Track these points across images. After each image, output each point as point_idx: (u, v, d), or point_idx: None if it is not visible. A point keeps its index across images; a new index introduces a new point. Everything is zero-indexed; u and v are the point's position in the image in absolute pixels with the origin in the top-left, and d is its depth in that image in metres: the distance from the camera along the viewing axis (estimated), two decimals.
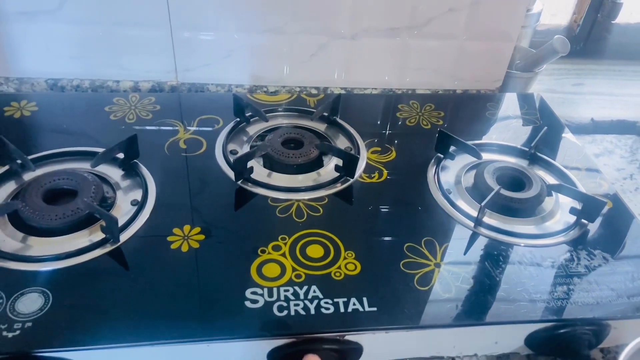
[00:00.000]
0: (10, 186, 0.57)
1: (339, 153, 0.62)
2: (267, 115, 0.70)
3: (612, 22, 1.13)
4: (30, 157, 0.59)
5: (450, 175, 0.65)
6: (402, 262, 0.52)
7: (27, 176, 0.58)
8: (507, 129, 0.76)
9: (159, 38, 0.73)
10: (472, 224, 0.57)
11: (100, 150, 0.60)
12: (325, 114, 0.71)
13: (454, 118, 0.77)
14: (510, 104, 0.82)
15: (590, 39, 1.15)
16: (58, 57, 0.75)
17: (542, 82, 0.97)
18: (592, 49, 1.16)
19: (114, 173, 0.60)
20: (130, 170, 0.60)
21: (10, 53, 0.74)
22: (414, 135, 0.72)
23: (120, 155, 0.60)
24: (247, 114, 0.70)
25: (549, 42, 0.80)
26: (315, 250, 0.53)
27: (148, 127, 0.68)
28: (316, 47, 0.76)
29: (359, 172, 0.63)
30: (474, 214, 0.58)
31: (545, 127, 0.69)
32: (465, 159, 0.67)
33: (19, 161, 0.58)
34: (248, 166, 0.60)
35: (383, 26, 0.75)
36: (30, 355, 0.42)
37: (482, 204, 0.56)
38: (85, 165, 0.59)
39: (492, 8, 0.75)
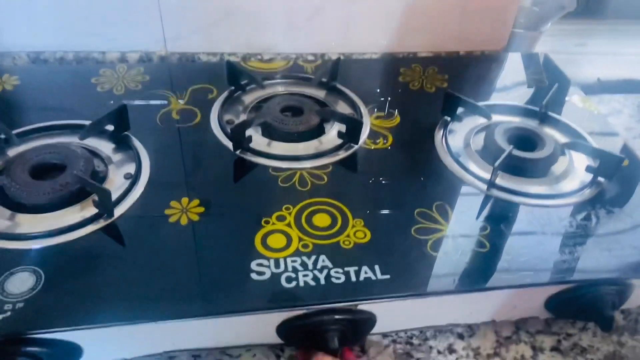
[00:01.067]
0: None
1: (341, 119, 0.60)
2: (263, 82, 0.66)
3: None
4: (14, 131, 0.55)
5: (458, 139, 0.62)
6: (413, 228, 0.50)
7: (12, 152, 0.55)
8: (515, 89, 0.74)
9: (145, 4, 0.69)
10: (484, 187, 0.55)
11: (88, 122, 0.57)
12: (324, 80, 0.68)
13: (459, 80, 0.74)
14: (515, 64, 0.79)
15: None
16: (39, 29, 0.71)
17: (544, 43, 0.94)
18: (594, 8, 1.12)
19: (104, 146, 0.57)
20: (121, 143, 0.57)
21: None
22: (418, 99, 0.70)
23: (110, 128, 0.57)
24: (242, 82, 0.66)
25: None
26: (321, 219, 0.51)
27: (138, 99, 0.64)
28: (312, 10, 0.73)
29: (363, 138, 0.61)
30: (486, 176, 0.55)
31: (557, 84, 0.67)
32: (473, 121, 0.64)
33: (2, 136, 0.55)
34: (246, 135, 0.57)
35: None
36: (23, 337, 0.40)
37: (495, 164, 0.53)
38: (73, 139, 0.56)
39: None
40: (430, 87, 0.72)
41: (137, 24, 0.71)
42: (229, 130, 0.59)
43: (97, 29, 0.71)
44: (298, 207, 0.52)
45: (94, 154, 0.55)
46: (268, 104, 0.63)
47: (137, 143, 0.57)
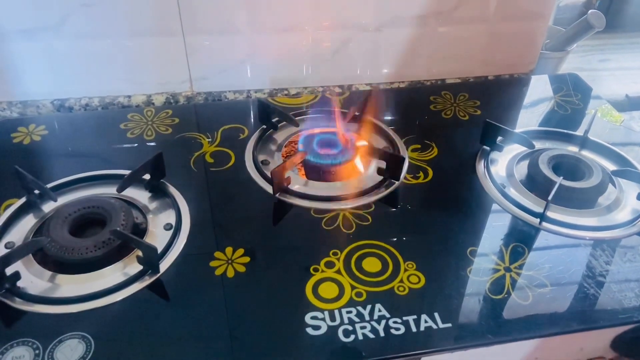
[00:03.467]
0: (30, 220, 0.53)
1: (381, 154, 0.58)
2: (296, 119, 0.66)
3: None
4: (48, 185, 0.55)
5: (500, 168, 0.61)
6: (468, 269, 0.48)
7: (47, 207, 0.54)
8: (547, 113, 0.72)
9: (171, 46, 0.69)
10: (536, 220, 0.53)
11: (122, 171, 0.56)
12: (357, 113, 0.67)
13: (491, 106, 0.73)
14: (545, 86, 0.78)
15: (610, 12, 1.12)
16: (63, 76, 0.70)
17: (567, 61, 0.94)
18: (613, 22, 1.12)
19: (140, 196, 0.56)
20: (157, 191, 0.56)
21: (12, 75, 0.70)
22: (452, 127, 0.69)
23: (146, 176, 0.56)
24: (273, 120, 0.66)
25: (583, 18, 0.77)
26: (372, 264, 0.49)
27: (169, 143, 0.64)
28: (339, 42, 0.72)
29: (403, 173, 0.59)
30: (535, 208, 0.54)
31: (596, 111, 0.65)
32: (512, 149, 0.63)
33: (36, 191, 0.54)
34: (285, 176, 0.56)
35: (409, 14, 0.71)
36: None
37: (549, 198, 0.52)
38: (109, 190, 0.56)
39: None
40: (463, 114, 0.71)
41: (163, 66, 0.71)
42: (265, 172, 0.58)
43: (122, 74, 0.71)
44: (346, 251, 0.50)
45: (131, 204, 0.54)
46: (303, 142, 0.62)
47: (173, 190, 0.56)
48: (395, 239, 0.52)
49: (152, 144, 0.64)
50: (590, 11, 0.76)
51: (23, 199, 0.54)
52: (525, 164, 0.61)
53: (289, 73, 0.75)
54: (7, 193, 0.55)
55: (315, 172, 0.60)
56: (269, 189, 0.57)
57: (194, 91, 0.73)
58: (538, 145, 0.63)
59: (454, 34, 0.74)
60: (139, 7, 0.65)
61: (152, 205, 0.55)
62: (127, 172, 0.56)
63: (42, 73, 0.70)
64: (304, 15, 0.69)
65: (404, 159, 0.58)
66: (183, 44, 0.69)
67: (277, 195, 0.56)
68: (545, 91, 0.77)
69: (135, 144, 0.63)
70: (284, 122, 0.66)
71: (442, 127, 0.69)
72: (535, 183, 0.58)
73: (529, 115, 0.72)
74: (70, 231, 0.49)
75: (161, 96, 0.73)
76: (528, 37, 0.77)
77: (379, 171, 0.58)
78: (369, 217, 0.54)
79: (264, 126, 0.65)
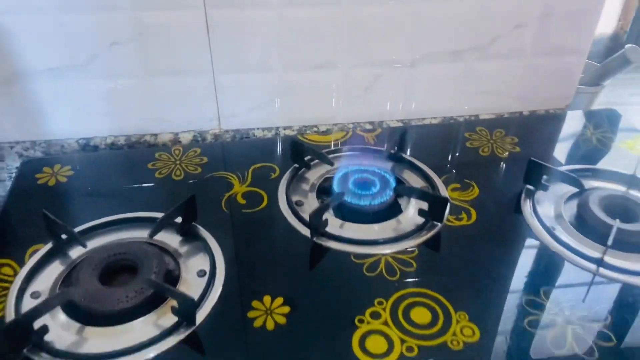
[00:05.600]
0: (57, 268, 0.51)
1: (422, 195, 0.56)
2: (329, 157, 0.64)
3: None
4: (76, 229, 0.53)
5: (547, 209, 0.58)
6: (526, 320, 0.46)
7: (75, 253, 0.52)
8: (590, 150, 0.70)
9: (200, 84, 0.69)
10: (593, 266, 0.50)
11: (152, 214, 0.55)
12: (392, 150, 0.65)
13: (530, 143, 0.71)
14: (584, 122, 0.76)
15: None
16: (89, 115, 0.70)
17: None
18: None
19: (171, 240, 0.54)
20: (189, 234, 0.54)
21: (37, 114, 0.69)
22: (492, 165, 0.67)
23: (178, 219, 0.54)
24: (305, 159, 0.64)
25: (621, 52, 0.76)
26: (421, 314, 0.46)
27: (199, 183, 0.62)
28: (372, 78, 0.71)
29: (446, 214, 0.57)
30: (588, 252, 0.52)
31: None
32: (559, 189, 0.61)
33: (64, 236, 0.52)
34: (323, 219, 0.54)
35: (445, 50, 0.70)
36: None
37: (608, 243, 0.49)
38: (139, 234, 0.54)
39: (562, 20, 0.71)
40: (501, 152, 0.69)
41: (192, 104, 0.70)
42: (300, 213, 0.57)
43: (149, 112, 0.70)
44: (391, 300, 0.48)
45: (163, 249, 0.52)
46: (338, 182, 0.60)
47: (205, 233, 0.54)
48: (444, 287, 0.49)
49: (181, 184, 0.62)
50: (627, 46, 0.75)
51: (49, 245, 0.52)
52: (574, 205, 0.58)
53: (319, 110, 0.74)
54: (33, 238, 0.53)
55: (352, 213, 0.57)
56: (304, 231, 0.55)
57: (222, 129, 0.73)
58: (585, 184, 0.61)
59: (489, 69, 0.73)
60: (169, 46, 0.65)
61: (184, 250, 0.53)
62: (156, 214, 0.55)
63: (67, 112, 0.69)
64: (336, 52, 0.68)
65: (447, 200, 0.56)
66: (213, 82, 0.68)
67: (314, 239, 0.53)
68: (583, 127, 0.75)
69: (164, 185, 0.62)
70: (317, 161, 0.65)
71: (481, 165, 0.67)
72: (585, 225, 0.55)
73: (571, 153, 0.70)
74: (99, 279, 0.47)
75: (188, 134, 0.72)
76: (564, 72, 0.76)
77: (421, 213, 0.56)
78: (413, 263, 0.52)
79: (296, 165, 0.64)
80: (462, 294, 0.49)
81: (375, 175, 0.61)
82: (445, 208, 0.55)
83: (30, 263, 0.50)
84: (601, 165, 0.66)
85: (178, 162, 0.65)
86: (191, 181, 0.63)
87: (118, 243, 0.52)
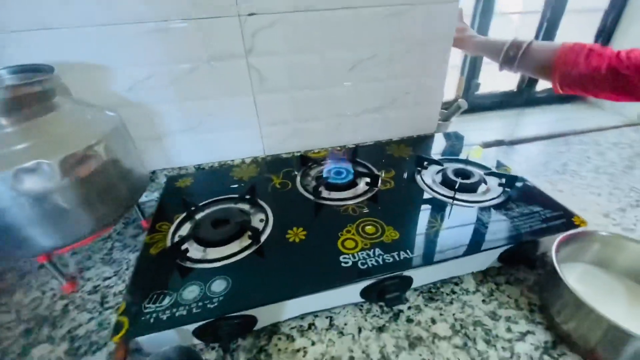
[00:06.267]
0: (189, 223, 0.54)
1: (368, 174, 0.61)
2: (321, 162, 0.68)
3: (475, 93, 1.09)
4: (199, 204, 0.56)
5: (427, 178, 0.61)
6: (423, 226, 0.51)
7: (198, 215, 0.55)
8: (447, 150, 0.73)
9: (251, 133, 0.68)
10: (449, 200, 0.56)
11: (234, 195, 0.58)
12: (351, 158, 0.68)
13: (418, 149, 0.72)
14: (443, 138, 0.77)
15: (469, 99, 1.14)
16: (199, 151, 0.68)
17: (450, 127, 0.92)
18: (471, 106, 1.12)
19: (245, 206, 0.57)
20: (253, 204, 0.57)
21: (173, 153, 0.68)
22: (400, 161, 0.68)
23: (247, 197, 0.57)
24: (308, 164, 0.66)
25: (456, 103, 0.81)
26: (370, 229, 0.51)
27: (256, 180, 0.63)
28: (336, 124, 0.73)
29: (379, 184, 0.60)
30: (447, 193, 0.57)
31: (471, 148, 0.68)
32: (432, 169, 0.64)
33: (192, 208, 0.55)
34: (319, 190, 0.59)
35: (371, 107, 0.71)
36: (225, 315, 0.40)
37: (455, 188, 0.54)
38: (229, 205, 0.57)
39: (425, 90, 0.72)
40: (404, 154, 0.70)
41: (248, 144, 0.70)
42: (308, 189, 0.60)
43: (228, 147, 0.69)
44: (355, 224, 0.52)
45: (242, 211, 0.56)
46: (324, 171, 0.63)
47: (262, 203, 0.57)
48: (381, 216, 0.53)
49: (247, 181, 0.63)
50: (459, 100, 0.81)
51: (184, 213, 0.55)
52: (440, 175, 0.62)
53: (315, 140, 0.73)
54: (177, 210, 0.55)
55: (333, 186, 0.60)
56: (310, 197, 0.58)
57: (266, 154, 0.74)
58: (443, 164, 0.64)
59: (395, 116, 0.74)
60: (239, 115, 0.65)
61: (252, 211, 0.56)
62: (236, 195, 0.57)
63: (188, 150, 0.67)
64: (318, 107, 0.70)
65: (379, 176, 0.61)
66: (259, 131, 0.70)
67: (316, 200, 0.58)
68: (445, 140, 0.77)
69: (239, 183, 0.63)
70: (314, 165, 0.67)
71: (396, 161, 0.68)
72: (446, 182, 0.60)
73: (436, 151, 0.72)
74: (212, 225, 0.52)
75: (249, 159, 0.73)
76: (430, 115, 0.77)
77: (367, 184, 0.61)
78: (365, 207, 0.56)
79: (304, 167, 0.65)
80: (389, 218, 0.53)
81: (344, 169, 0.65)
82: (377, 179, 0.59)
83: (175, 222, 0.53)
84: (452, 156, 0.69)
85: (245, 171, 0.66)
86: (252, 180, 0.63)
87: (219, 208, 0.56)
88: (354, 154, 0.67)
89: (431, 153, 0.71)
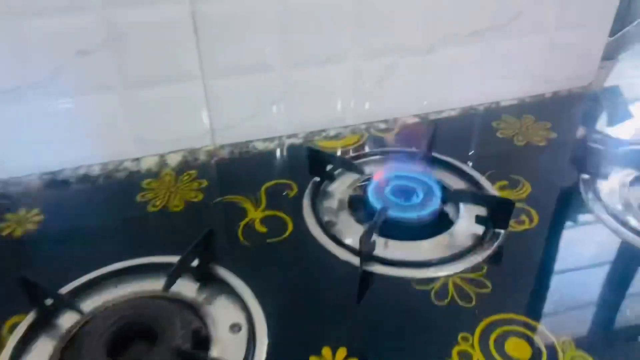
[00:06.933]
0: (47, 344, 0.40)
1: (480, 199, 0.49)
2: (355, 164, 0.57)
3: None
4: (62, 290, 0.43)
5: (612, 198, 0.53)
6: None
7: (67, 321, 0.42)
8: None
9: (188, 94, 0.60)
10: None
11: (156, 259, 0.46)
12: (423, 151, 0.58)
13: (564, 126, 0.67)
14: (613, 99, 0.72)
15: None
16: (52, 143, 0.59)
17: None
18: None
19: (187, 288, 0.44)
20: (208, 279, 0.45)
21: None
22: (533, 156, 0.61)
23: (195, 264, 0.45)
24: (327, 169, 0.56)
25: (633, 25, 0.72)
26: (518, 347, 0.39)
27: (205, 213, 0.53)
28: (384, 70, 0.64)
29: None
30: None
31: None
32: (617, 172, 0.56)
33: (48, 301, 0.42)
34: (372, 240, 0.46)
35: (463, 31, 0.64)
36: None
37: None
38: (145, 286, 0.45)
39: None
40: (539, 139, 0.63)
41: (178, 118, 0.61)
42: (337, 236, 0.49)
43: (127, 133, 0.60)
44: (477, 333, 0.40)
45: (181, 302, 0.42)
46: (374, 193, 0.52)
47: (228, 275, 0.45)
48: (532, 308, 0.42)
49: (183, 216, 0.53)
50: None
51: (32, 315, 0.41)
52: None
53: (327, 111, 0.66)
54: (9, 308, 0.42)
55: (394, 229, 0.49)
56: (347, 257, 0.47)
57: (217, 144, 0.63)
58: None
59: (509, 49, 0.68)
60: (147, 52, 0.56)
61: (205, 299, 0.44)
62: (161, 258, 0.46)
63: (26, 141, 0.58)
64: (344, 43, 0.61)
65: (512, 202, 0.48)
66: (203, 90, 0.59)
67: (363, 267, 0.45)
68: (615, 103, 0.71)
69: (162, 220, 0.53)
70: (339, 170, 0.57)
71: (522, 157, 0.61)
72: None
73: (614, 131, 0.66)
74: (109, 354, 0.37)
75: (177, 155, 0.62)
76: (586, 48, 0.71)
77: (478, 220, 0.49)
78: (487, 282, 0.44)
79: (316, 178, 0.56)
80: (556, 314, 0.42)
81: (415, 181, 0.53)
82: (510, 211, 0.48)
83: (12, 342, 0.40)
84: None
85: (173, 189, 0.56)
86: (195, 211, 0.53)
87: (125, 302, 0.42)
88: (430, 141, 0.59)
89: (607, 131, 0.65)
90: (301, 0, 0.57)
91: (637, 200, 0.52)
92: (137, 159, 0.62)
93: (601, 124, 0.67)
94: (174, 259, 0.44)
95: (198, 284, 0.45)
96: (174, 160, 0.62)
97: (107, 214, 0.54)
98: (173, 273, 0.41)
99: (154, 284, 0.44)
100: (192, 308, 0.42)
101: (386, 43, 0.62)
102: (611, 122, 0.67)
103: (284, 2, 0.56)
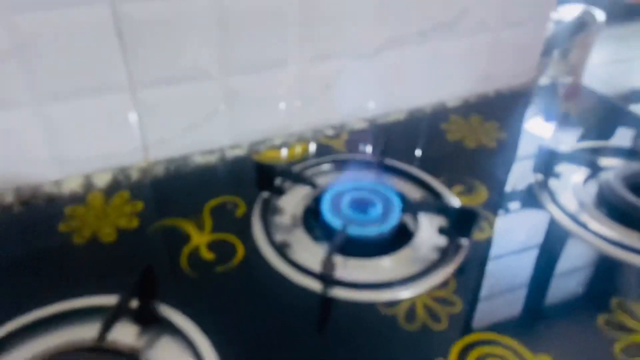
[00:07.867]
0: None
1: (443, 209, 0.46)
2: (306, 175, 0.52)
3: None
4: None
5: (568, 198, 0.52)
6: (617, 345, 0.37)
7: None
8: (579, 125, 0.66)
9: (114, 106, 0.52)
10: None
11: (87, 302, 0.40)
12: (375, 158, 0.55)
13: (514, 126, 0.65)
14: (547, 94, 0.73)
15: None
16: None
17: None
18: None
19: (125, 334, 0.38)
20: (149, 321, 0.39)
21: None
22: (486, 159, 0.59)
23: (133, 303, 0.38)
24: (275, 183, 0.51)
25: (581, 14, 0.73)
26: None
27: (142, 242, 0.47)
28: (330, 74, 0.60)
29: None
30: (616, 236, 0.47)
31: None
32: (570, 171, 0.55)
33: None
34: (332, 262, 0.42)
35: (409, 31, 0.61)
36: None
37: None
38: (78, 334, 0.38)
39: None
40: (488, 140, 0.62)
41: (105, 133, 0.54)
42: (293, 260, 0.44)
43: (44, 151, 0.52)
44: (453, 357, 0.37)
45: (117, 353, 0.36)
46: (330, 208, 0.48)
47: (173, 315, 0.39)
48: (506, 324, 0.40)
49: (117, 248, 0.46)
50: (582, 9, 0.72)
51: None
52: (590, 186, 0.54)
53: (270, 119, 0.60)
54: None
55: (351, 246, 0.45)
56: (306, 282, 0.43)
57: (150, 160, 0.56)
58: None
59: (455, 49, 0.65)
60: (63, 61, 0.48)
61: (146, 346, 0.38)
62: (92, 300, 0.40)
63: None
64: (289, 47, 0.56)
65: (476, 211, 0.45)
66: (131, 101, 0.52)
67: (326, 293, 0.41)
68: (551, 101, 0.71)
69: (90, 253, 0.46)
70: (288, 182, 0.52)
71: (475, 160, 0.59)
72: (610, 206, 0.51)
73: (567, 129, 0.66)
74: None
75: (105, 174, 0.55)
76: (527, 45, 0.70)
77: (442, 230, 0.46)
78: (456, 300, 0.41)
79: (265, 193, 0.51)
80: (531, 328, 0.40)
81: (371, 191, 0.50)
82: (475, 221, 0.45)
83: None
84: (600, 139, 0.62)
85: (102, 215, 0.49)
86: (130, 240, 0.47)
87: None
88: (383, 148, 0.58)
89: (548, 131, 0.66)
90: (241, 1, 0.51)
91: (590, 200, 0.52)
92: (58, 181, 0.54)
93: (544, 122, 0.67)
94: (108, 299, 0.38)
95: (138, 328, 0.39)
96: (102, 180, 0.55)
97: (24, 248, 0.46)
98: (107, 321, 0.35)
99: (86, 331, 0.38)
100: (132, 357, 0.37)
101: (332, 47, 0.58)
102: (548, 119, 0.67)
103: (220, 3, 0.50)
